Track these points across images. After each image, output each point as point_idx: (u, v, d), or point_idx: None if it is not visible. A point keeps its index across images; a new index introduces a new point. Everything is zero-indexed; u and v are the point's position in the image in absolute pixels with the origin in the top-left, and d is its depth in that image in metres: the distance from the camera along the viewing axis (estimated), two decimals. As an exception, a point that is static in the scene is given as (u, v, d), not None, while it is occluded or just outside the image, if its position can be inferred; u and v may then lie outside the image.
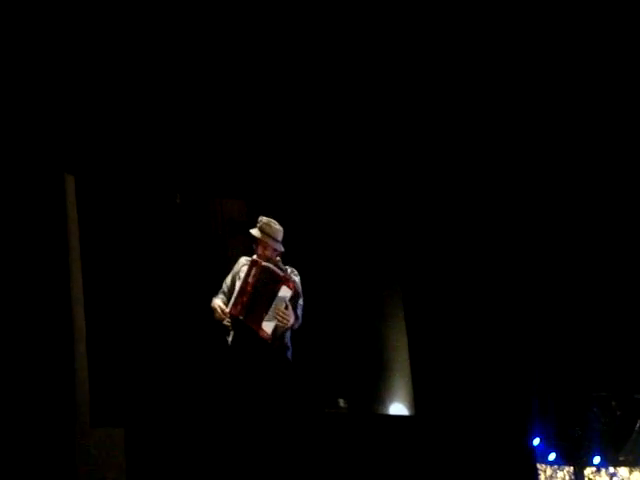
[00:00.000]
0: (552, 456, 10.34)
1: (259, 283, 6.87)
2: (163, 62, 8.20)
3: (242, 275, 6.99)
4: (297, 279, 7.11)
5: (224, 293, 7.09)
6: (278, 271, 6.97)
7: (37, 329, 7.24)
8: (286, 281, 6.92)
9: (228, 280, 7.13)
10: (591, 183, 9.72)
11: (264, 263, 6.95)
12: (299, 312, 7.04)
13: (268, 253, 7.01)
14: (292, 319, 6.92)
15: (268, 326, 6.83)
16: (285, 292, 6.88)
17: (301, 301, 7.08)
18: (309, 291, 7.22)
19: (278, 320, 6.86)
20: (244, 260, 7.11)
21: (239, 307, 6.83)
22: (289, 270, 7.11)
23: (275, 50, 8.53)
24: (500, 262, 9.81)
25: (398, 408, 9.71)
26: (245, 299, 6.83)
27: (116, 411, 7.73)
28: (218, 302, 7.03)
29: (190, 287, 8.56)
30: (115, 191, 8.36)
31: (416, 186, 9.89)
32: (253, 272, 6.88)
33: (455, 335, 9.66)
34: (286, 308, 6.90)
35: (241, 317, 6.83)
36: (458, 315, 9.71)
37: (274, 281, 6.90)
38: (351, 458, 8.22)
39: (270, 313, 6.83)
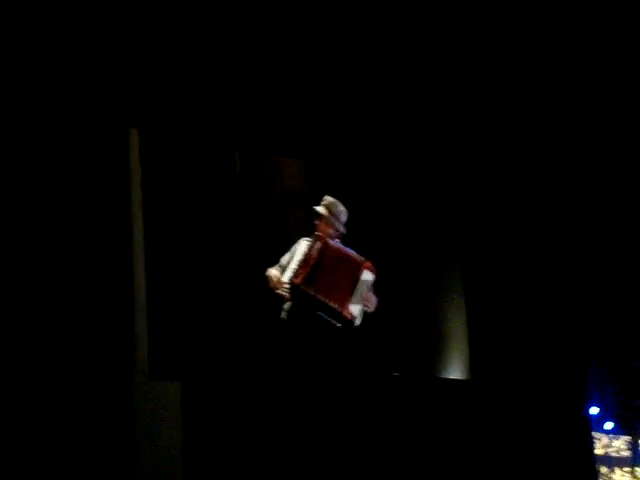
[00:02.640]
0: (609, 425, 10.28)
1: (329, 260, 6.84)
2: (223, 22, 8.16)
3: (302, 244, 6.97)
4: None
5: (281, 267, 7.08)
6: (351, 253, 6.93)
7: (98, 283, 7.30)
8: (365, 264, 6.87)
9: (287, 256, 7.13)
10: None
11: (330, 241, 6.92)
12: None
13: (330, 231, 7.03)
14: (375, 304, 6.92)
15: (355, 309, 6.82)
16: (368, 276, 6.86)
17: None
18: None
19: (365, 305, 6.85)
20: (305, 240, 7.08)
21: (300, 277, 6.79)
22: None
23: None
24: (557, 236, 9.69)
25: (455, 374, 9.67)
26: (308, 270, 6.79)
27: (174, 365, 7.80)
28: (274, 272, 7.03)
29: (248, 251, 8.58)
30: (178, 146, 8.37)
31: (478, 165, 9.78)
32: (317, 246, 6.86)
33: (513, 302, 9.58)
34: (369, 292, 6.89)
35: (303, 287, 6.80)
36: (516, 282, 9.62)
37: (351, 264, 6.88)
38: (406, 420, 8.23)
39: (357, 297, 6.80)
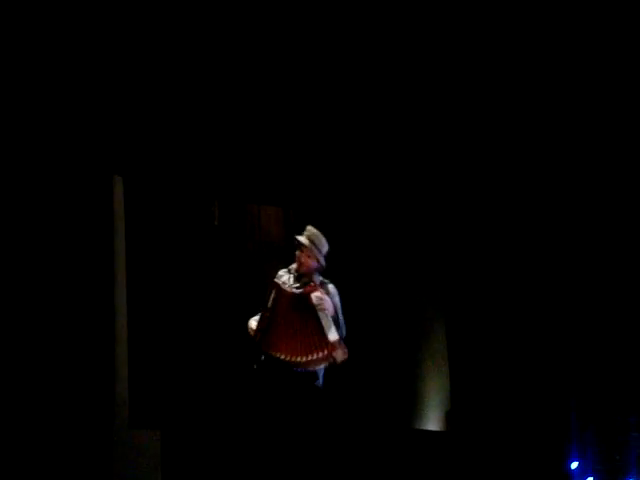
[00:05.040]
0: (589, 480, 10.22)
1: (283, 307, 6.58)
2: (210, 71, 8.27)
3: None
4: (337, 297, 6.84)
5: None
6: (292, 290, 6.68)
7: (79, 329, 7.30)
8: (307, 290, 6.62)
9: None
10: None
11: (282, 287, 6.66)
12: (342, 327, 6.85)
13: (311, 263, 6.78)
14: (342, 356, 6.63)
15: (333, 334, 6.55)
16: (316, 299, 6.56)
17: (341, 316, 6.84)
18: (350, 311, 7.04)
19: (320, 310, 6.55)
20: (280, 272, 6.87)
21: (258, 335, 6.60)
22: (330, 286, 6.85)
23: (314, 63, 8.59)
24: (539, 287, 9.72)
25: (435, 425, 9.64)
26: (263, 325, 6.58)
27: (154, 413, 7.77)
28: (251, 323, 6.79)
29: (227, 302, 8.51)
30: (162, 194, 8.40)
31: (460, 209, 9.82)
32: (272, 295, 6.61)
33: (494, 356, 9.56)
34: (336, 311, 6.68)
35: (265, 349, 6.58)
36: (498, 337, 9.61)
37: (302, 300, 6.60)
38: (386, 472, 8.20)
39: (328, 324, 6.60)
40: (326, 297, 6.66)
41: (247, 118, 8.56)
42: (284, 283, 6.76)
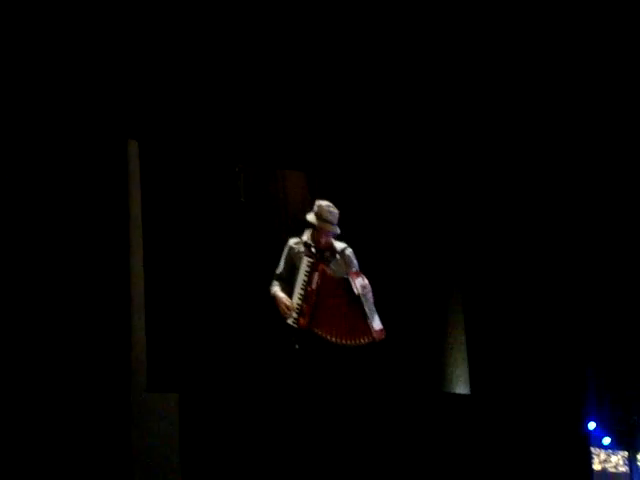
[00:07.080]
0: (607, 440, 10.26)
1: (327, 289, 6.66)
2: (227, 31, 8.15)
3: (302, 266, 6.71)
4: (355, 261, 6.92)
5: (282, 280, 6.86)
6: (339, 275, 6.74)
7: (95, 292, 7.27)
8: (353, 277, 6.69)
9: (282, 265, 6.88)
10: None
11: (327, 270, 6.71)
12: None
13: (329, 239, 6.76)
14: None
15: (377, 322, 6.69)
16: (361, 287, 6.66)
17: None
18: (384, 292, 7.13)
19: (364, 297, 6.66)
20: (294, 244, 6.86)
21: (307, 318, 6.61)
22: (348, 251, 6.91)
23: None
24: (555, 252, 9.68)
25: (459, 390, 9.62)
26: (310, 308, 6.60)
27: (171, 377, 7.77)
28: (280, 294, 6.79)
29: (247, 267, 8.45)
30: (179, 158, 8.31)
31: (478, 187, 9.72)
32: (315, 278, 6.65)
33: (512, 319, 9.55)
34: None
35: (315, 329, 6.61)
36: (515, 300, 9.58)
37: (345, 287, 6.67)
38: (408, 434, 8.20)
39: (367, 310, 6.66)
40: (368, 285, 6.69)
41: (268, 80, 8.42)
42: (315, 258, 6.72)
